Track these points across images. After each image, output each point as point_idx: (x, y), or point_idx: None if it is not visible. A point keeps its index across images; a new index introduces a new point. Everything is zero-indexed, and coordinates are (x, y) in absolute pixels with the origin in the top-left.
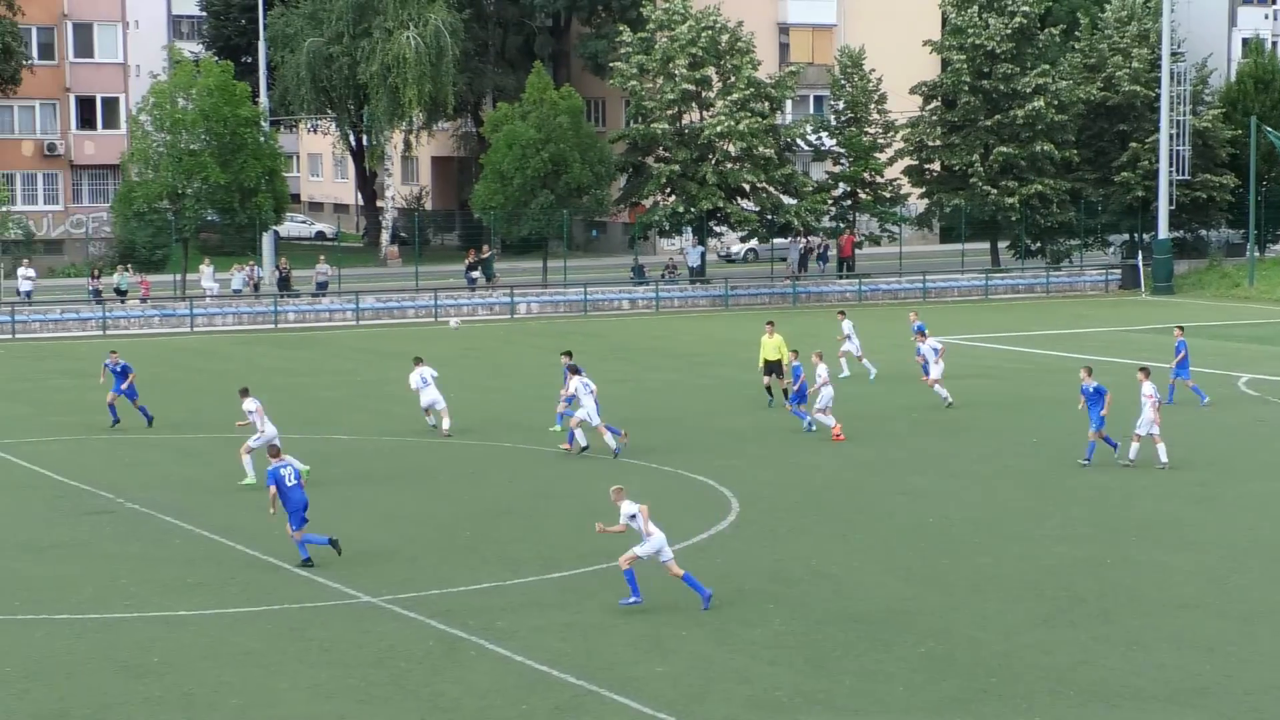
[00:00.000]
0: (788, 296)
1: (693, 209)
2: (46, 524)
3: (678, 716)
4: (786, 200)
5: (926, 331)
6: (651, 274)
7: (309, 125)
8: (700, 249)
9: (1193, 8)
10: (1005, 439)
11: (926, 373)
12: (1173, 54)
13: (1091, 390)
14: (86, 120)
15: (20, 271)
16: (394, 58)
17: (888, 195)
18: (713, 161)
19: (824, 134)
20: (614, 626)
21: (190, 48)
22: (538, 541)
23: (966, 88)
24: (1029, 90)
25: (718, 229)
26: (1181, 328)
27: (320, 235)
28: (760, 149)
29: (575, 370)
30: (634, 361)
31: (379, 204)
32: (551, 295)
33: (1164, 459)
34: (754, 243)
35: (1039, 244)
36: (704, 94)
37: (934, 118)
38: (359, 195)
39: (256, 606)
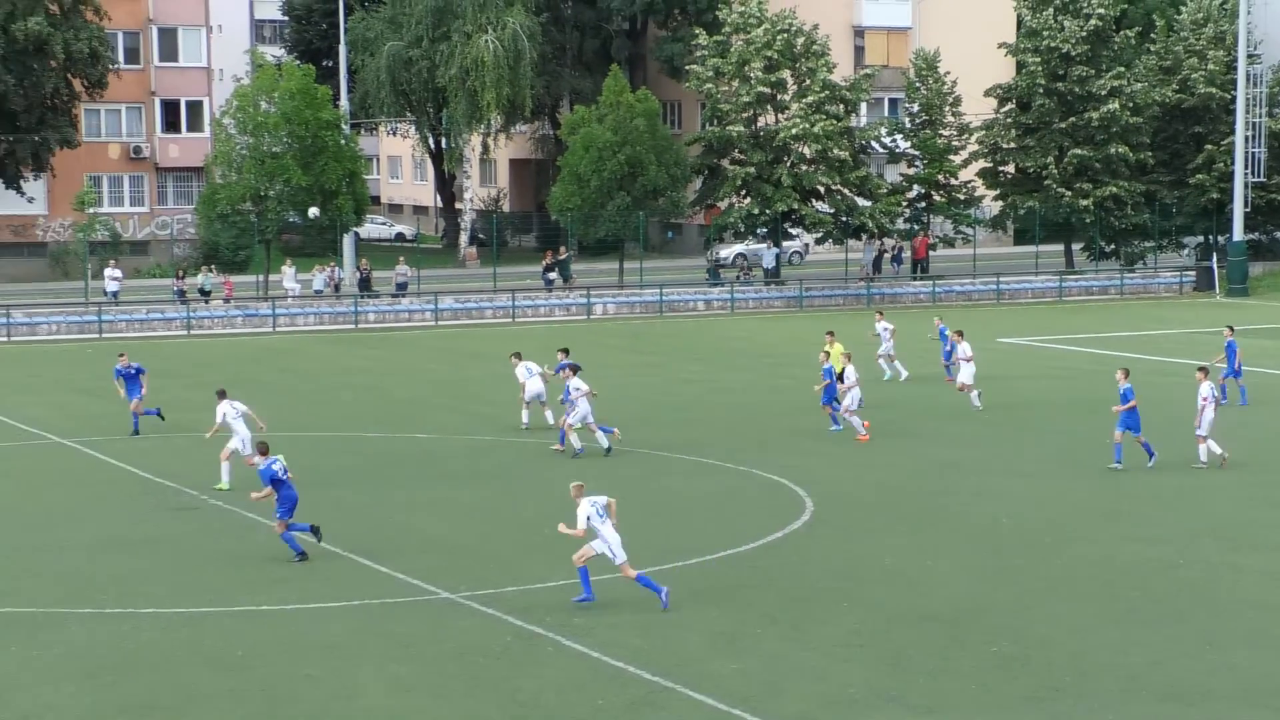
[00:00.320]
0: (861, 298)
1: (767, 211)
2: (133, 520)
3: (752, 713)
4: (861, 202)
5: (949, 333)
6: (726, 273)
7: (389, 128)
8: (775, 251)
9: (1269, 10)
10: (1078, 439)
11: (950, 375)
12: (1249, 56)
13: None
14: (171, 123)
15: (107, 272)
16: (472, 61)
17: (962, 197)
18: (788, 164)
19: (899, 136)
20: (688, 623)
21: (272, 52)
22: None
23: (1041, 90)
24: (1104, 93)
25: (792, 230)
26: (1231, 328)
27: (400, 237)
28: (835, 151)
29: (575, 369)
30: (709, 361)
31: (457, 206)
32: (627, 296)
33: (1204, 459)
34: (743, 246)
35: (1113, 246)
36: (779, 97)
37: (1009, 120)
38: (438, 197)
39: (337, 602)
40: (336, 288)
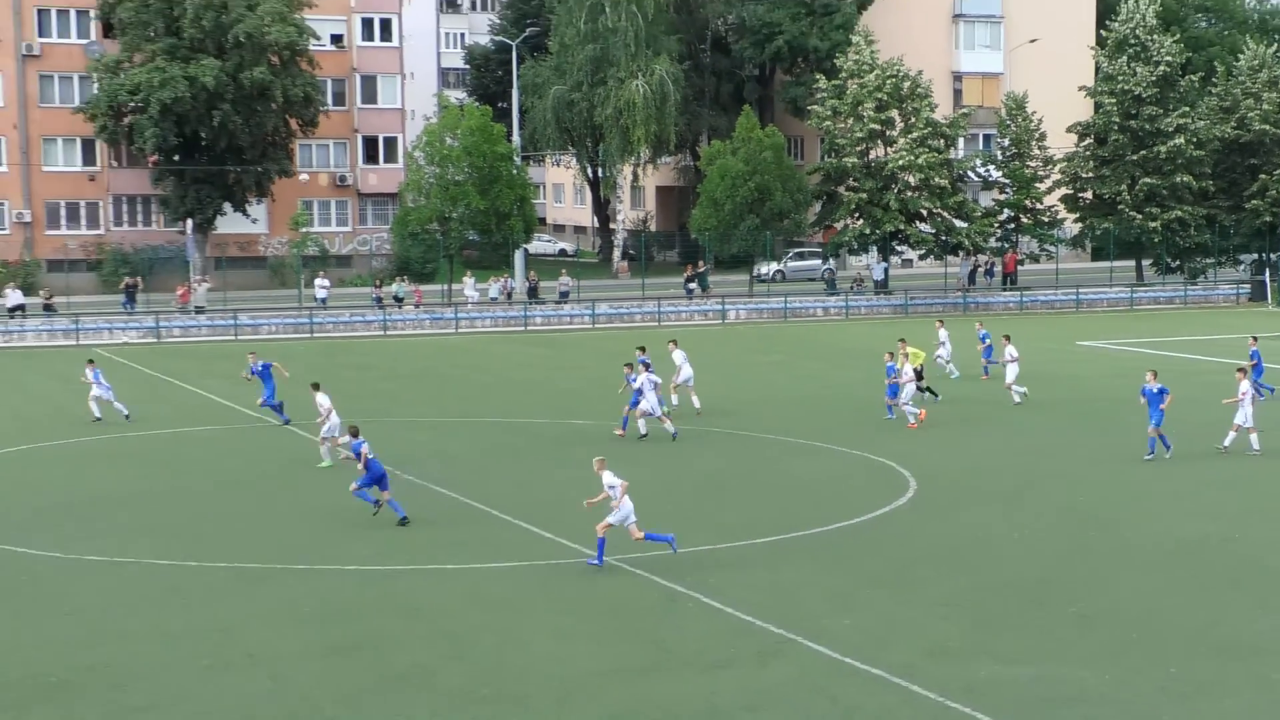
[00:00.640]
0: (959, 306)
1: (877, 230)
2: (339, 492)
3: (864, 661)
4: (958, 224)
5: (989, 340)
6: (841, 286)
7: (553, 159)
8: (884, 265)
9: None
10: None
11: (986, 373)
12: None
13: (1155, 391)
14: (370, 156)
15: (317, 282)
16: (625, 102)
17: (1046, 220)
18: (895, 190)
19: (991, 167)
20: (809, 584)
21: (456, 95)
22: (744, 511)
23: (1116, 127)
24: (1171, 129)
25: (898, 248)
26: (1255, 337)
27: (562, 252)
28: (936, 180)
29: (647, 365)
30: (826, 360)
31: (611, 226)
32: (756, 304)
33: (1226, 443)
34: (783, 264)
35: (1178, 262)
36: (888, 133)
37: (1087, 153)
38: (595, 219)
39: (510, 562)
40: (509, 295)
